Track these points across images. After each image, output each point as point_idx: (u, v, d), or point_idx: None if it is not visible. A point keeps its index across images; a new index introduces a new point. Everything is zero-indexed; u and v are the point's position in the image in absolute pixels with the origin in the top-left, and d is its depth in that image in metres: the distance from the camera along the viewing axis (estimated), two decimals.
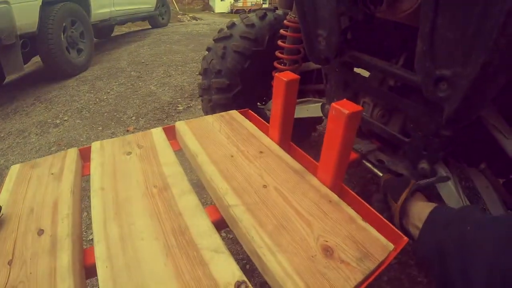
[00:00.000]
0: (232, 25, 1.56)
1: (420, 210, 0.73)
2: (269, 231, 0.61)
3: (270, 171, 0.78)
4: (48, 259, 0.58)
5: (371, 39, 1.14)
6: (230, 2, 17.05)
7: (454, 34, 0.64)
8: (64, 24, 3.32)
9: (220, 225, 0.71)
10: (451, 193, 0.95)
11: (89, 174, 0.81)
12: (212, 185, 0.73)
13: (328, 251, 0.58)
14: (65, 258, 0.58)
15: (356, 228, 0.64)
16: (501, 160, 0.92)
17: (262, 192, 0.71)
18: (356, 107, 0.67)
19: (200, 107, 1.71)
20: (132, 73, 3.48)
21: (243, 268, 1.26)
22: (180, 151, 0.97)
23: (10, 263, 0.58)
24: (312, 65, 1.50)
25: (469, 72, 0.63)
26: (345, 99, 0.71)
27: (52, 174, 0.81)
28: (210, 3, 17.76)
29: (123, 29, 6.66)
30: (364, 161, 1.10)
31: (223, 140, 0.91)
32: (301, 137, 1.91)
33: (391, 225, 0.68)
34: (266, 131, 0.96)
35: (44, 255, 0.59)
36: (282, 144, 0.90)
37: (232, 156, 0.84)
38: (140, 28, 6.67)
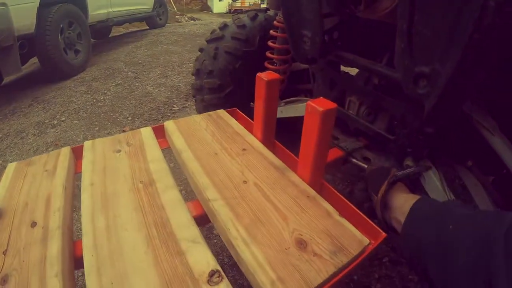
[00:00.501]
0: (224, 26, 1.61)
1: (402, 203, 0.73)
2: (245, 224, 0.65)
3: (252, 167, 0.82)
4: (40, 249, 0.63)
5: (356, 39, 1.18)
6: (228, 2, 17.06)
7: (431, 31, 0.66)
8: (61, 26, 3.38)
9: (203, 219, 0.76)
10: (435, 187, 0.97)
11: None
12: (194, 180, 0.78)
13: (302, 244, 0.61)
14: (54, 247, 0.63)
15: (332, 223, 0.67)
16: (488, 157, 0.93)
17: (242, 187, 0.75)
18: (331, 105, 0.71)
19: (195, 107, 1.76)
20: (129, 73, 3.53)
21: (234, 265, 1.30)
22: (169, 150, 1.02)
23: (4, 253, 0.63)
24: (303, 65, 1.54)
25: (447, 69, 0.65)
26: (321, 97, 0.75)
27: (46, 171, 0.86)
28: (208, 3, 17.79)
29: (121, 30, 6.72)
30: (350, 159, 1.13)
31: (208, 138, 0.95)
32: (296, 136, 1.94)
33: (369, 221, 0.70)
34: (250, 130, 1.00)
35: (36, 245, 0.64)
36: (265, 142, 0.94)
37: (215, 153, 0.88)
38: (138, 29, 6.74)
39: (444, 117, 0.86)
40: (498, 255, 0.42)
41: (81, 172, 0.87)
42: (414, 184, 1.04)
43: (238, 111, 1.16)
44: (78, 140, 2.35)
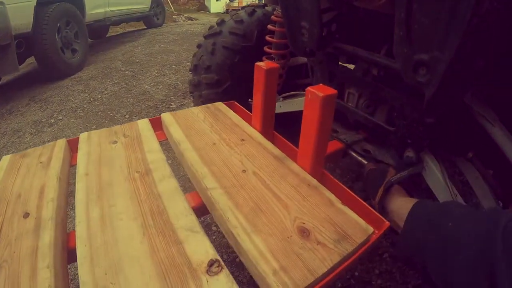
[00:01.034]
0: (221, 22, 1.58)
1: (399, 207, 0.72)
2: (245, 213, 0.62)
3: (250, 157, 0.80)
4: (32, 240, 0.60)
5: (354, 31, 1.16)
6: (226, 2, 16.97)
7: (429, 18, 0.64)
8: (58, 25, 3.33)
9: (202, 210, 0.72)
10: (438, 182, 0.95)
11: None
12: (192, 170, 0.75)
13: (304, 233, 0.59)
14: (47, 238, 0.60)
15: (335, 211, 0.64)
16: (488, 149, 0.92)
17: (241, 176, 0.72)
18: (331, 90, 0.69)
19: (192, 104, 1.73)
20: (126, 72, 3.49)
21: (232, 261, 1.27)
22: (166, 145, 0.99)
23: None
24: (301, 60, 1.52)
25: (446, 56, 0.63)
26: (320, 84, 0.72)
27: (40, 163, 0.83)
28: (206, 3, 17.68)
29: (118, 30, 6.68)
30: (350, 151, 1.11)
31: (207, 129, 0.93)
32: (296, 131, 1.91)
33: (372, 210, 0.68)
34: (249, 121, 0.98)
35: (28, 236, 0.61)
36: (264, 132, 0.92)
37: (214, 143, 0.85)
38: (135, 29, 6.69)
39: (444, 106, 0.84)
40: (497, 251, 0.43)
41: (76, 164, 0.84)
42: (416, 181, 1.02)
43: (236, 103, 1.13)
44: None
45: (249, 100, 1.74)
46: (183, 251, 0.55)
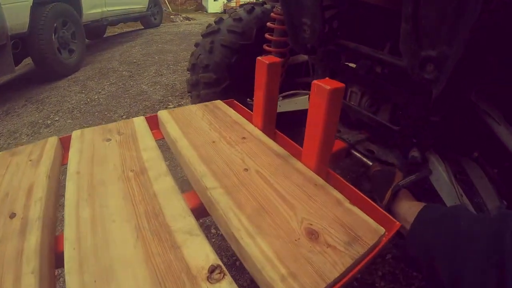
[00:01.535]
0: (219, 20, 1.54)
1: (406, 210, 0.70)
2: (248, 214, 0.57)
3: (252, 155, 0.74)
4: (17, 242, 0.54)
5: (357, 27, 1.11)
6: (223, 2, 16.83)
7: (437, 13, 0.61)
8: (55, 25, 3.27)
9: (200, 211, 0.67)
10: (443, 183, 0.92)
11: None
12: (190, 168, 0.69)
13: (313, 235, 0.54)
14: (33, 240, 0.54)
15: (343, 211, 0.60)
16: (493, 148, 0.89)
17: (243, 175, 0.67)
18: (338, 84, 0.64)
19: (190, 104, 1.68)
20: (123, 72, 3.43)
21: (233, 265, 1.22)
22: (163, 145, 0.93)
23: None
24: (301, 58, 1.48)
25: (455, 52, 0.60)
26: (327, 78, 0.68)
27: (30, 160, 0.77)
28: (203, 3, 17.51)
29: (116, 30, 6.59)
30: (353, 151, 1.07)
31: (205, 127, 0.87)
32: (294, 132, 1.87)
33: (381, 209, 0.64)
34: (250, 120, 0.93)
35: (13, 238, 0.55)
36: (266, 130, 0.86)
37: (213, 141, 0.80)
38: (133, 29, 6.60)
39: (451, 104, 0.82)
40: (506, 251, 0.44)
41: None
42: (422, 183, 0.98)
43: (236, 102, 1.08)
44: None
45: (248, 99, 1.69)
46: (181, 256, 0.49)
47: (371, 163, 0.99)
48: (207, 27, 1.55)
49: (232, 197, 0.60)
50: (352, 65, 1.18)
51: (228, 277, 0.46)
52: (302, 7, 0.98)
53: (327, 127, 0.67)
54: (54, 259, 0.58)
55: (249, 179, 0.66)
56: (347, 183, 0.71)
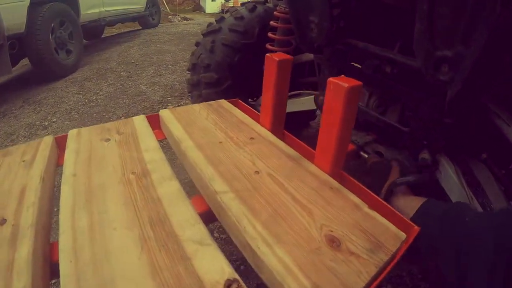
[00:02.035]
0: (221, 19, 1.49)
1: (404, 204, 0.69)
2: (263, 220, 0.51)
3: (263, 157, 0.68)
4: (7, 251, 0.48)
5: (365, 26, 1.07)
6: (221, 2, 16.68)
7: (454, 11, 0.58)
8: (52, 25, 3.17)
9: (208, 217, 0.61)
10: (455, 186, 0.88)
11: None
12: (196, 170, 0.63)
13: (334, 242, 0.48)
14: (24, 250, 0.48)
15: (362, 216, 0.55)
16: (503, 149, 0.85)
17: (254, 178, 0.61)
18: (355, 82, 0.59)
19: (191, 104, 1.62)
20: (122, 73, 3.35)
21: (237, 270, 1.15)
22: (165, 144, 0.87)
23: None
24: (304, 58, 1.42)
25: (472, 52, 0.57)
26: (342, 75, 0.63)
27: (23, 161, 0.70)
28: (201, 3, 17.32)
29: (113, 31, 6.47)
30: (361, 153, 1.02)
31: (210, 127, 0.81)
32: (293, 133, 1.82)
33: (398, 213, 0.59)
34: (257, 120, 0.87)
35: (3, 247, 0.49)
36: (274, 131, 0.81)
37: (220, 142, 0.74)
38: (130, 29, 6.49)
39: (466, 105, 0.77)
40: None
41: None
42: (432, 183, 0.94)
43: (240, 101, 1.02)
44: None
45: (250, 100, 1.64)
46: (192, 269, 0.43)
47: (366, 156, 0.97)
48: (208, 26, 1.50)
49: (245, 202, 0.54)
50: (357, 65, 1.14)
51: None
52: (309, 4, 0.94)
53: (343, 127, 0.61)
54: (48, 270, 0.51)
55: (261, 182, 0.60)
56: (362, 186, 0.66)
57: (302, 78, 1.50)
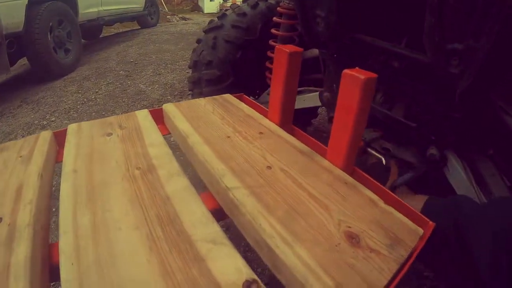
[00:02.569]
0: (223, 15, 1.45)
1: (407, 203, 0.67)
2: (280, 218, 0.47)
3: (274, 152, 0.64)
4: (3, 253, 0.43)
5: (371, 20, 1.03)
6: (219, 2, 16.56)
7: (465, 3, 0.57)
8: (51, 24, 3.11)
9: (218, 215, 0.56)
10: (462, 182, 0.86)
11: None
12: (206, 166, 0.58)
13: (353, 239, 0.45)
14: (22, 251, 0.43)
15: (379, 212, 0.52)
16: (509, 145, 0.85)
17: (267, 173, 0.57)
18: (371, 74, 0.55)
19: None
20: (121, 72, 3.29)
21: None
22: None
23: None
24: (308, 54, 1.39)
25: (483, 45, 0.56)
26: (357, 67, 0.59)
27: (20, 157, 0.65)
28: (199, 3, 17.17)
29: (112, 30, 6.39)
30: (369, 149, 0.99)
31: (217, 121, 0.76)
32: None
33: (413, 209, 0.56)
34: (264, 115, 0.83)
35: None
36: (283, 126, 0.77)
37: (228, 136, 0.69)
38: (129, 29, 6.41)
39: (476, 99, 0.76)
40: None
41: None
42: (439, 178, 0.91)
43: (246, 96, 0.98)
44: None
45: (251, 97, 1.60)
46: (207, 271, 0.39)
47: (373, 152, 0.97)
48: (209, 22, 1.46)
49: (259, 199, 0.50)
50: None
51: None
52: None
53: (357, 121, 0.58)
54: (48, 272, 0.47)
55: (274, 177, 0.56)
56: (374, 181, 0.63)
57: (305, 75, 1.46)
